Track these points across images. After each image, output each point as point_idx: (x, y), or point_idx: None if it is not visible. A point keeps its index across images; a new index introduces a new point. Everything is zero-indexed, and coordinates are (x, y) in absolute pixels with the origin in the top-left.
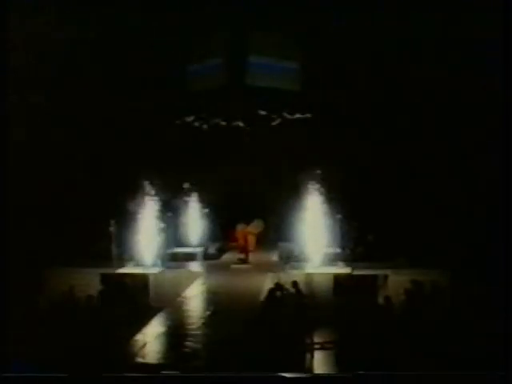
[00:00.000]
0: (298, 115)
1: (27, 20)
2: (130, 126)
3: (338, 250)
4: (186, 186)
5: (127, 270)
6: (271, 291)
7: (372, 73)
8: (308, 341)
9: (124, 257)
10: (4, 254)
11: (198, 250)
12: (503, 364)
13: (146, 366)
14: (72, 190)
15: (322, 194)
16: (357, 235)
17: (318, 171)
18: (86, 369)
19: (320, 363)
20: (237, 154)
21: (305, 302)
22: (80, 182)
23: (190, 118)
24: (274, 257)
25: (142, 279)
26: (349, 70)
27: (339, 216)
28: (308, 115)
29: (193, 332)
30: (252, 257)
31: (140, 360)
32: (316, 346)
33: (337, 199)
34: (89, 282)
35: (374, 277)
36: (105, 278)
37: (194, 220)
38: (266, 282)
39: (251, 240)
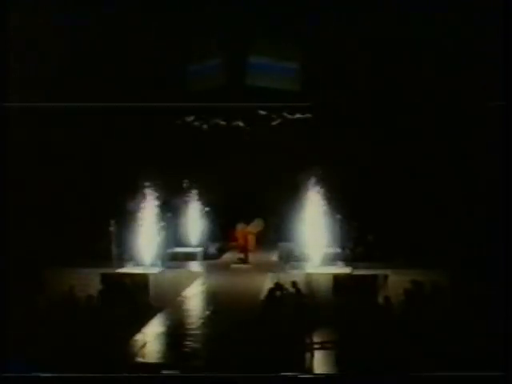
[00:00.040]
0: (298, 115)
1: (27, 20)
2: (129, 126)
3: (338, 250)
4: (185, 185)
5: (127, 269)
6: (271, 291)
7: (372, 73)
8: (308, 341)
9: (124, 257)
10: (4, 254)
11: (198, 249)
12: (503, 364)
13: (146, 366)
14: (72, 190)
15: (321, 194)
16: (357, 235)
17: (318, 171)
18: (86, 369)
19: (320, 363)
20: (237, 154)
21: (304, 301)
22: (80, 182)
23: (190, 118)
24: (274, 257)
25: (142, 279)
26: (349, 70)
27: (339, 216)
28: (308, 115)
29: (193, 332)
30: (252, 257)
31: (140, 360)
32: (316, 346)
33: (337, 199)
34: (89, 281)
35: (374, 277)
36: (105, 278)
37: (194, 220)
38: (266, 282)
39: (251, 240)
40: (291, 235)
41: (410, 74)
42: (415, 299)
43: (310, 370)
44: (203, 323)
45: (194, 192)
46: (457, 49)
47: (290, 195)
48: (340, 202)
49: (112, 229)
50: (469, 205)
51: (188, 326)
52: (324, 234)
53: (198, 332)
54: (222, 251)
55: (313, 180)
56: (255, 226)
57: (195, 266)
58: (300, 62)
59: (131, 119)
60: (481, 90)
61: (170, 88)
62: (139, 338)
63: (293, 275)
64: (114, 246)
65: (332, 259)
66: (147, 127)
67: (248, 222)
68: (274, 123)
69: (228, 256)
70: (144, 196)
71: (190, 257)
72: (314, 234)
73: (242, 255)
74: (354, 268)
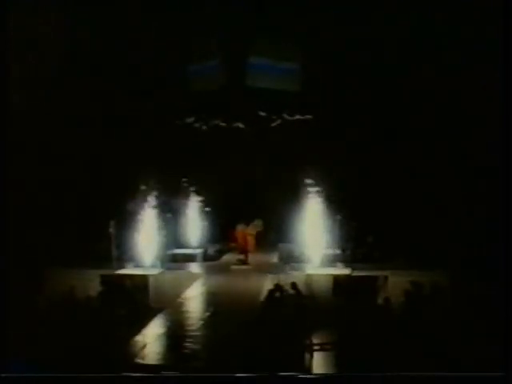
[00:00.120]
0: (297, 116)
1: (27, 20)
2: (130, 126)
3: (338, 251)
4: (185, 186)
5: (127, 271)
6: (271, 292)
7: (372, 73)
8: (307, 342)
9: (124, 258)
10: (4, 254)
11: (198, 251)
12: (503, 364)
13: (146, 367)
14: (72, 190)
15: (321, 194)
16: (356, 236)
17: (318, 171)
18: (86, 369)
19: (320, 364)
20: (237, 155)
21: (304, 302)
22: (80, 183)
23: (191, 119)
24: (274, 258)
25: (142, 280)
26: (349, 70)
27: (339, 217)
28: (308, 116)
29: (193, 333)
30: (252, 258)
31: (140, 361)
32: (315, 347)
33: (336, 200)
34: (89, 282)
35: (374, 278)
36: (105, 279)
37: (194, 221)
38: (266, 283)
39: (251, 241)
40: (291, 236)
41: (409, 74)
42: (415, 300)
43: (309, 370)
44: (203, 324)
45: (194, 192)
46: (457, 49)
47: (290, 196)
48: (340, 203)
49: (112, 229)
50: (469, 205)
51: (188, 327)
52: (324, 235)
53: (197, 333)
54: (221, 252)
55: (313, 180)
56: (255, 227)
57: (195, 268)
58: (300, 62)
59: (131, 119)
60: (481, 90)
61: (169, 88)
62: (139, 339)
63: (293, 276)
64: (113, 247)
65: (332, 260)
66: (147, 127)
67: (248, 222)
68: (273, 124)
69: (228, 257)
70: (144, 197)
71: (190, 258)
72: (314, 235)
73: (241, 256)
74: (354, 269)
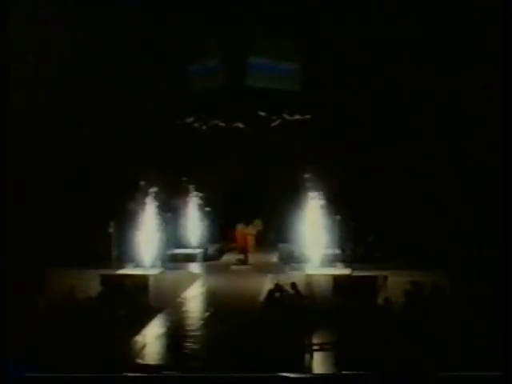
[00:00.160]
0: (297, 116)
1: (27, 20)
2: (130, 126)
3: (338, 251)
4: (185, 186)
5: (127, 271)
6: (271, 292)
7: (372, 73)
8: (307, 342)
9: (124, 258)
10: (4, 254)
11: (198, 250)
12: (503, 364)
13: (146, 367)
14: (72, 190)
15: (321, 194)
16: (356, 236)
17: (318, 171)
18: (86, 369)
19: (320, 364)
20: (237, 155)
21: (304, 302)
22: (80, 183)
23: (191, 119)
24: (274, 258)
25: (142, 280)
26: (349, 70)
27: (339, 217)
28: (308, 116)
29: (193, 333)
30: (252, 257)
31: (140, 361)
32: (315, 347)
33: (336, 200)
34: (89, 282)
35: (374, 278)
36: (105, 279)
37: (194, 221)
38: (266, 283)
39: (250, 241)
40: (291, 236)
41: (410, 74)
42: (415, 300)
43: (309, 370)
44: (203, 324)
45: (194, 192)
46: (457, 49)
47: (290, 196)
48: (340, 203)
49: (112, 230)
50: (469, 205)
51: (188, 327)
52: (324, 235)
53: (197, 333)
54: (221, 252)
55: (313, 180)
56: (254, 227)
57: (195, 267)
58: (300, 62)
59: (131, 119)
60: (481, 90)
61: (170, 88)
62: (139, 339)
63: (292, 276)
64: (113, 247)
65: (332, 260)
66: (147, 127)
67: (248, 222)
68: (273, 124)
69: (228, 257)
70: (144, 197)
71: (190, 258)
72: (314, 235)
73: (241, 256)
74: (354, 269)
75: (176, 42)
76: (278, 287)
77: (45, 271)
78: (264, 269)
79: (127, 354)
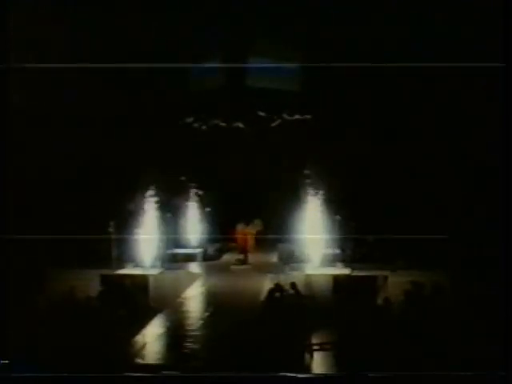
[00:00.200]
0: (297, 116)
1: (27, 20)
2: (130, 126)
3: (338, 251)
4: (185, 186)
5: (127, 271)
6: (271, 292)
7: (372, 73)
8: (307, 342)
9: (124, 258)
10: (4, 254)
11: (198, 250)
12: (503, 364)
13: (146, 367)
14: (72, 190)
15: (321, 194)
16: (356, 236)
17: (318, 171)
18: (86, 369)
19: (320, 364)
20: (237, 155)
21: (304, 302)
22: (80, 183)
23: (191, 119)
24: (274, 258)
25: (142, 280)
26: (349, 70)
27: (339, 217)
28: (308, 116)
29: (192, 333)
30: (251, 257)
31: (140, 361)
32: (315, 347)
33: (336, 200)
34: (89, 282)
35: (374, 278)
36: (105, 279)
37: (194, 221)
38: (266, 283)
39: (250, 240)
40: (291, 236)
41: (409, 74)
42: (415, 300)
43: (309, 370)
44: (203, 324)
45: (194, 192)
46: (457, 48)
47: (290, 196)
48: (340, 203)
49: (112, 230)
50: (469, 205)
51: (188, 327)
52: (324, 235)
53: (197, 333)
54: (221, 252)
55: (313, 180)
56: (254, 227)
57: (195, 267)
58: (300, 62)
59: (131, 119)
60: (481, 90)
61: (170, 88)
62: (139, 338)
63: (292, 276)
64: (113, 247)
65: (332, 260)
66: (147, 127)
67: (248, 222)
68: (273, 124)
69: (227, 257)
70: (144, 197)
71: (190, 258)
72: (314, 235)
73: (241, 256)
74: (354, 269)
75: (176, 41)
76: (277, 287)
77: (45, 271)
78: (264, 269)
79: (127, 353)
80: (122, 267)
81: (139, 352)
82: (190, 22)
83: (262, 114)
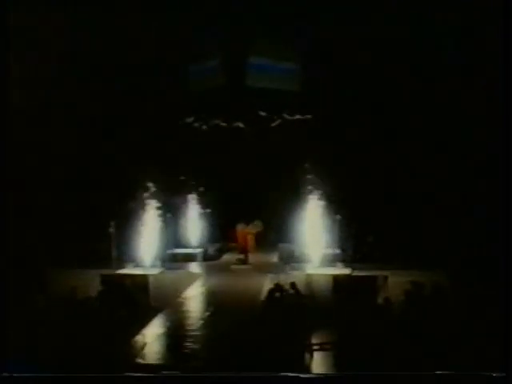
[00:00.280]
0: (297, 116)
1: (27, 20)
2: (130, 126)
3: (338, 251)
4: (185, 186)
5: (127, 271)
6: (271, 292)
7: (372, 73)
8: (307, 342)
9: (124, 258)
10: (4, 254)
11: (198, 250)
12: (503, 364)
13: (146, 367)
14: (72, 190)
15: (321, 194)
16: (356, 236)
17: (318, 171)
18: (86, 369)
19: (320, 364)
20: (237, 155)
21: (304, 302)
22: (80, 183)
23: (191, 119)
24: (274, 258)
25: (142, 280)
26: (349, 70)
27: (339, 217)
28: (308, 116)
29: (193, 333)
30: (252, 257)
31: (140, 360)
32: (315, 347)
33: (336, 200)
34: (89, 282)
35: (374, 278)
36: (105, 279)
37: (194, 220)
38: (266, 283)
39: (250, 240)
40: (291, 236)
41: (409, 74)
42: (415, 300)
43: (309, 370)
44: (203, 324)
45: (194, 192)
46: (457, 49)
47: (290, 196)
48: (340, 203)
49: (112, 230)
50: (469, 205)
51: (188, 327)
52: (324, 235)
53: (197, 333)
54: (221, 252)
55: (313, 180)
56: (254, 227)
57: (195, 267)
58: (300, 62)
59: (131, 119)
60: (481, 90)
61: (170, 88)
62: (139, 338)
63: (293, 276)
64: (113, 247)
65: (332, 260)
66: (147, 127)
67: (248, 222)
68: (274, 124)
69: (228, 257)
70: (144, 197)
71: (190, 258)
72: (314, 235)
73: (241, 256)
74: (354, 269)
75: (176, 41)
76: (278, 287)
77: (45, 271)
78: (264, 269)
79: (127, 353)
80: (122, 267)
81: (139, 352)
82: (189, 22)
83: (262, 113)
